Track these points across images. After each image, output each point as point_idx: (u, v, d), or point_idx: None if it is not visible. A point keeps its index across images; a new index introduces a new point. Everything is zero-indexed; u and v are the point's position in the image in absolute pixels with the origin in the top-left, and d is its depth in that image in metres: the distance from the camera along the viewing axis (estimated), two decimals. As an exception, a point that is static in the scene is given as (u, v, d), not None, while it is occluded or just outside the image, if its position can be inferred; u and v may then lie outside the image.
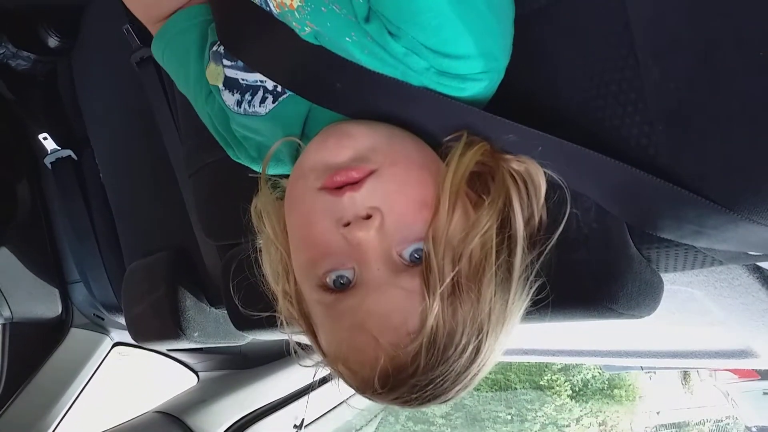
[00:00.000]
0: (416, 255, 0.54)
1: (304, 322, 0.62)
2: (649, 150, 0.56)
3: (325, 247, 0.55)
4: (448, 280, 0.51)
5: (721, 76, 0.50)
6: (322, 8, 0.58)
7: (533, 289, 0.57)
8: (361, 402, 0.62)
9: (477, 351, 0.52)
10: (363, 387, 0.55)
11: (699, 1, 0.51)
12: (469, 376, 0.54)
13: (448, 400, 0.55)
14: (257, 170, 0.76)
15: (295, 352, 0.68)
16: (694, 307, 0.94)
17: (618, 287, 0.60)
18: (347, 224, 0.54)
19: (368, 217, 0.53)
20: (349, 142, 0.57)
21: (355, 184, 0.54)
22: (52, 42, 1.58)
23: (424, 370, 0.51)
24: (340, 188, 0.55)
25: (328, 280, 0.56)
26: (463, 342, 0.51)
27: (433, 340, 0.51)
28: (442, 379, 0.52)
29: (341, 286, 0.55)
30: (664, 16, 0.53)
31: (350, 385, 0.57)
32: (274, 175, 0.72)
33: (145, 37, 1.32)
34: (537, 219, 0.59)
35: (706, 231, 0.54)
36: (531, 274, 0.57)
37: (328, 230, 0.55)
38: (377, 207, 0.54)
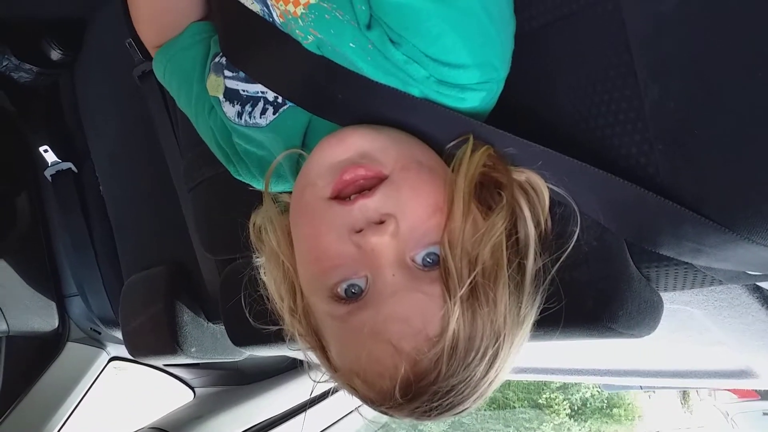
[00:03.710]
0: (429, 259, 0.54)
1: (312, 338, 0.61)
2: (648, 169, 0.56)
3: (336, 258, 0.54)
4: (467, 282, 0.51)
5: (719, 96, 0.50)
6: (326, 15, 0.58)
7: (543, 297, 0.57)
8: (362, 415, 0.61)
9: (495, 356, 0.52)
10: (381, 399, 0.53)
11: (697, 21, 0.51)
12: (487, 383, 0.53)
13: (466, 409, 0.55)
14: (258, 187, 0.76)
15: (309, 365, 0.67)
16: (693, 327, 0.94)
17: (617, 306, 0.60)
18: (359, 231, 0.53)
19: (381, 222, 0.53)
20: (353, 139, 0.57)
21: (367, 191, 0.54)
22: (55, 55, 1.59)
23: (446, 377, 0.50)
24: (350, 198, 0.55)
25: (339, 290, 0.55)
26: (483, 346, 0.51)
27: (454, 344, 0.50)
28: (463, 386, 0.51)
29: (353, 296, 0.54)
30: (663, 36, 0.53)
31: (365, 400, 0.56)
32: (274, 192, 0.72)
33: (148, 51, 1.33)
34: (543, 228, 0.59)
35: (705, 249, 0.54)
36: (541, 282, 0.57)
37: (339, 240, 0.54)
38: (390, 213, 0.53)
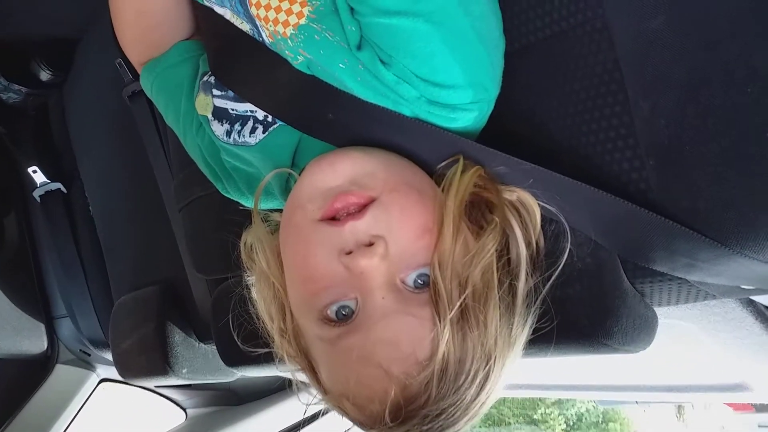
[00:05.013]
0: (419, 281, 0.53)
1: (302, 359, 0.61)
2: (640, 185, 0.56)
3: (326, 279, 0.54)
4: (457, 305, 0.50)
5: (709, 112, 0.50)
6: (316, 36, 0.58)
7: (535, 316, 0.57)
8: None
9: (486, 378, 0.52)
10: (371, 422, 0.53)
11: (685, 38, 0.51)
12: (478, 405, 0.53)
13: (458, 431, 0.54)
14: (246, 204, 0.76)
15: (297, 387, 0.66)
16: (688, 341, 0.93)
17: (612, 322, 0.59)
18: (349, 253, 0.53)
19: (370, 244, 0.53)
20: (344, 165, 0.57)
21: (356, 213, 0.54)
22: (45, 75, 1.59)
23: (436, 400, 0.50)
24: (340, 219, 0.54)
25: (329, 312, 0.54)
26: (474, 369, 0.51)
27: (444, 367, 0.50)
28: (453, 409, 0.51)
29: (343, 318, 0.54)
30: (653, 53, 0.53)
31: (356, 422, 0.56)
32: (263, 210, 0.71)
33: (137, 71, 1.33)
34: (534, 246, 0.59)
35: (699, 264, 0.54)
36: (532, 301, 0.57)
37: (329, 261, 0.54)
38: (380, 235, 0.53)
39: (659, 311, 0.68)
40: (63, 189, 1.70)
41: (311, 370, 0.60)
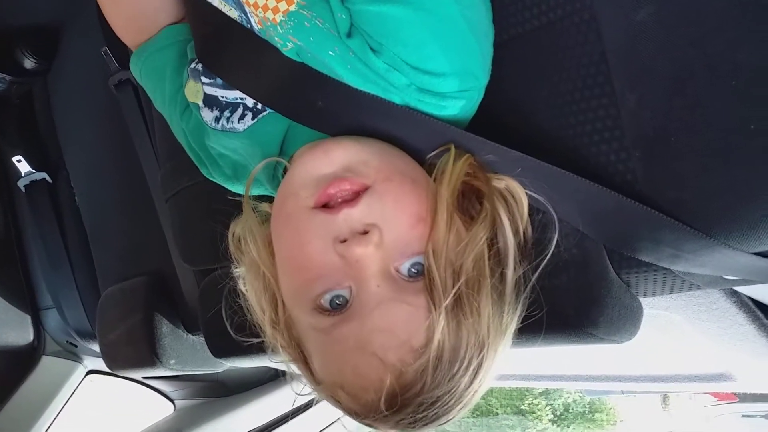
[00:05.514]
0: (414, 270, 0.54)
1: (294, 350, 0.61)
2: (626, 176, 0.56)
3: (320, 268, 0.54)
4: (452, 293, 0.51)
5: (695, 105, 0.50)
6: (305, 23, 0.58)
7: (524, 305, 0.57)
8: (345, 426, 0.61)
9: (479, 366, 0.52)
10: (366, 412, 0.53)
11: (672, 31, 0.52)
12: (471, 394, 0.53)
13: (451, 420, 0.54)
14: (231, 189, 0.76)
15: (291, 377, 0.66)
16: (672, 332, 0.94)
17: (598, 313, 0.60)
18: (343, 241, 0.53)
19: (365, 232, 0.53)
20: (338, 153, 0.57)
21: (350, 201, 0.54)
22: (29, 63, 1.57)
23: (431, 388, 0.50)
24: (334, 206, 0.54)
25: (323, 301, 0.54)
26: (468, 357, 0.51)
27: (439, 355, 0.50)
28: (448, 396, 0.51)
29: (337, 307, 0.54)
30: (639, 46, 0.53)
31: (349, 412, 0.56)
32: (252, 197, 0.71)
33: (123, 59, 1.31)
34: (522, 235, 0.59)
35: (684, 255, 0.55)
36: (522, 290, 0.57)
37: (322, 249, 0.54)
38: (374, 223, 0.53)
39: (644, 302, 0.68)
40: (48, 179, 1.68)
41: (303, 361, 0.60)
